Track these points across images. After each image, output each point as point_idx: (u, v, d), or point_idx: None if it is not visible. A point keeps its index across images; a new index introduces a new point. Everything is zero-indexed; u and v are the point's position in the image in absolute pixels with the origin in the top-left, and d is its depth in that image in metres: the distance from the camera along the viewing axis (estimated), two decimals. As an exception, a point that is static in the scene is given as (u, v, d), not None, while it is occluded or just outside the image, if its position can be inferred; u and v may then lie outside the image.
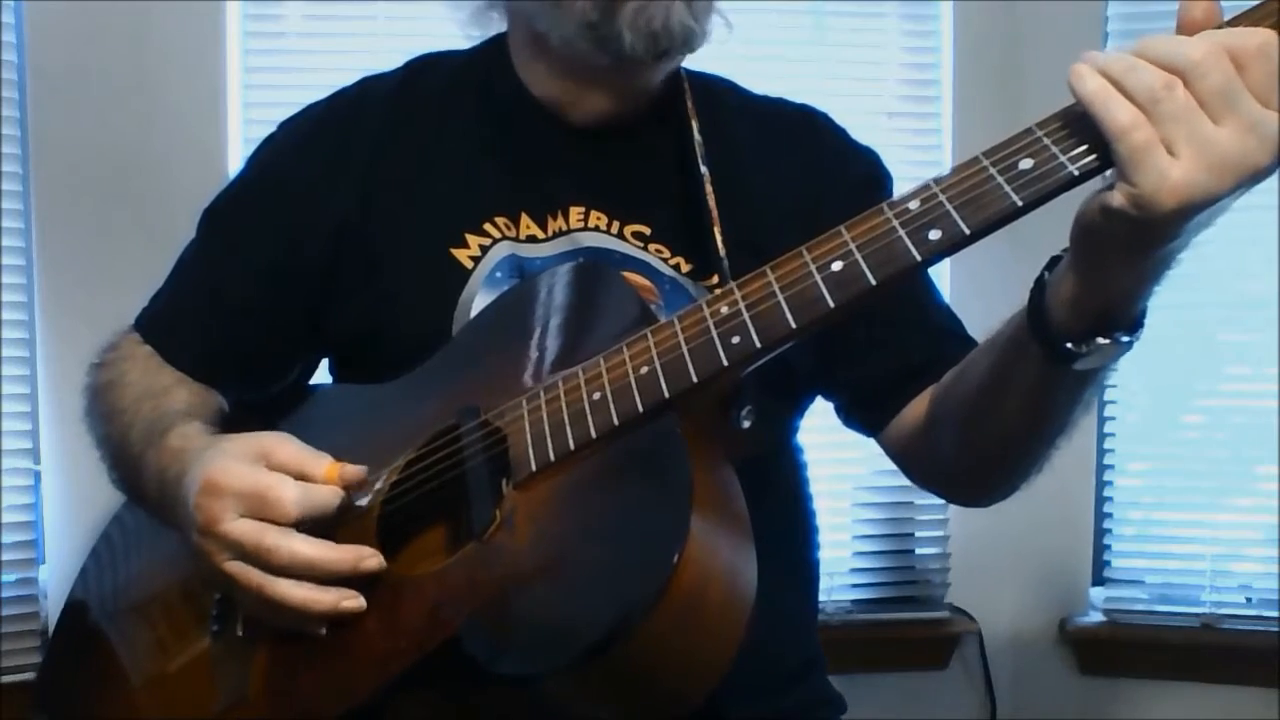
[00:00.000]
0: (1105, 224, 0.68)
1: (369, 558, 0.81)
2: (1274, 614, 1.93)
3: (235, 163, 1.83)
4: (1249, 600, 1.98)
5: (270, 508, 0.81)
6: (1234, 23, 0.67)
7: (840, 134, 1.13)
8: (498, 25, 1.09)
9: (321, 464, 0.84)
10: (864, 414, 1.06)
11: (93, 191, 1.79)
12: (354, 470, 0.85)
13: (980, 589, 2.00)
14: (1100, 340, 0.74)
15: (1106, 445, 2.02)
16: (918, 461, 1.03)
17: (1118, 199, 0.66)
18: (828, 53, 1.98)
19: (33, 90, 1.78)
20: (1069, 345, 0.75)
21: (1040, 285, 0.77)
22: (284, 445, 0.85)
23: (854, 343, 1.00)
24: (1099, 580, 2.05)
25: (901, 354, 1.01)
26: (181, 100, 1.82)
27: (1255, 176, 0.64)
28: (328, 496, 0.83)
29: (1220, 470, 1.99)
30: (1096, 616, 2.02)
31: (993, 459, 0.94)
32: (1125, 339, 0.74)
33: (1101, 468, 2.02)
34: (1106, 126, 0.64)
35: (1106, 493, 2.02)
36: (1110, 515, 2.03)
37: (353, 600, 0.80)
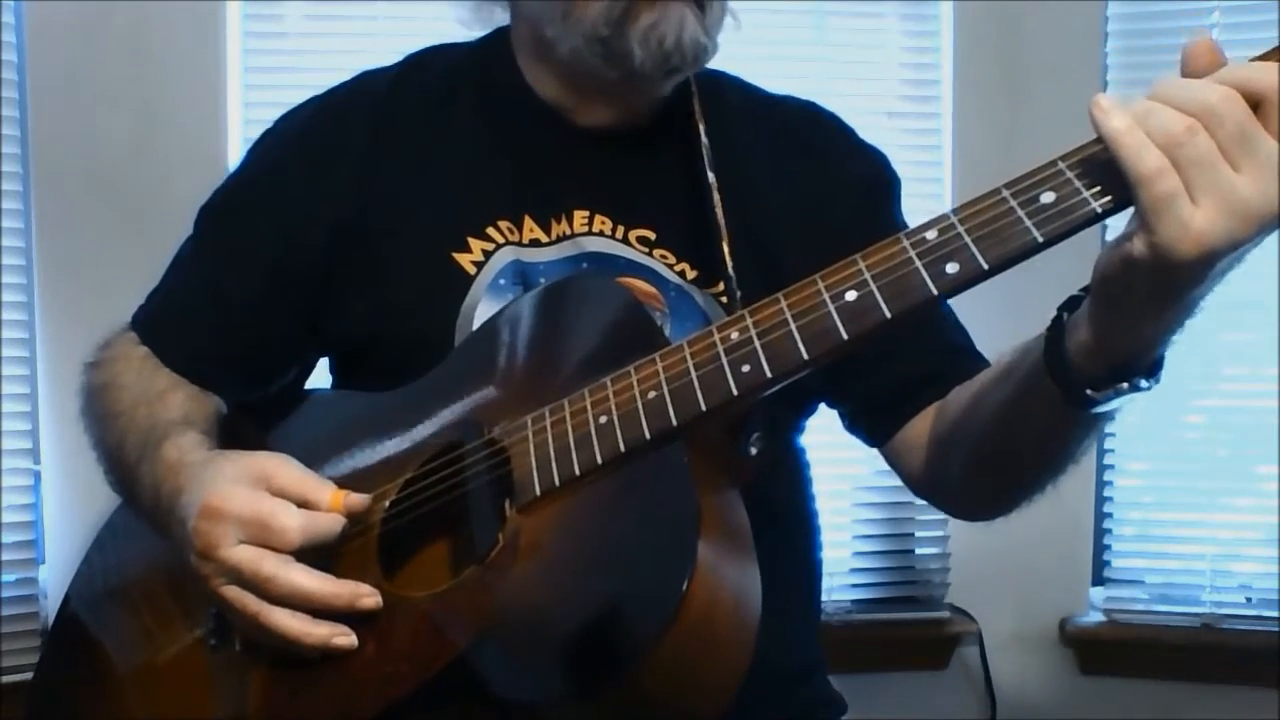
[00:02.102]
0: (1126, 274, 0.67)
1: (366, 596, 0.80)
2: (1274, 614, 1.93)
3: (235, 163, 1.82)
4: (1249, 600, 1.97)
5: (272, 535, 0.80)
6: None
7: (847, 132, 1.12)
8: (500, 19, 1.08)
9: (325, 492, 0.83)
10: (867, 425, 1.06)
11: (93, 192, 1.79)
12: (358, 499, 0.84)
13: (980, 589, 2.00)
14: (1125, 386, 0.73)
15: (1106, 445, 2.01)
16: (922, 477, 1.02)
17: (1138, 248, 0.64)
18: (828, 53, 1.97)
19: (33, 90, 1.78)
20: (1089, 391, 0.74)
21: (1059, 328, 0.75)
22: (286, 469, 0.84)
23: (862, 358, 0.99)
24: (1099, 580, 2.04)
25: (908, 368, 1.01)
26: (181, 100, 1.81)
27: (1278, 220, 0.63)
28: (330, 525, 0.82)
29: (1220, 470, 1.98)
30: (1096, 616, 2.02)
31: (1001, 483, 0.94)
32: (1146, 385, 0.73)
33: (1101, 468, 2.01)
34: (1132, 171, 0.62)
35: (1106, 493, 2.02)
36: (1110, 515, 2.03)
37: (344, 638, 0.80)
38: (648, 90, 1.01)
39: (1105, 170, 0.65)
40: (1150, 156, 0.62)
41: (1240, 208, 0.62)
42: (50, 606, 1.77)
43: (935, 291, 0.69)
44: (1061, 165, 0.67)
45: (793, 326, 0.73)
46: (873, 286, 0.70)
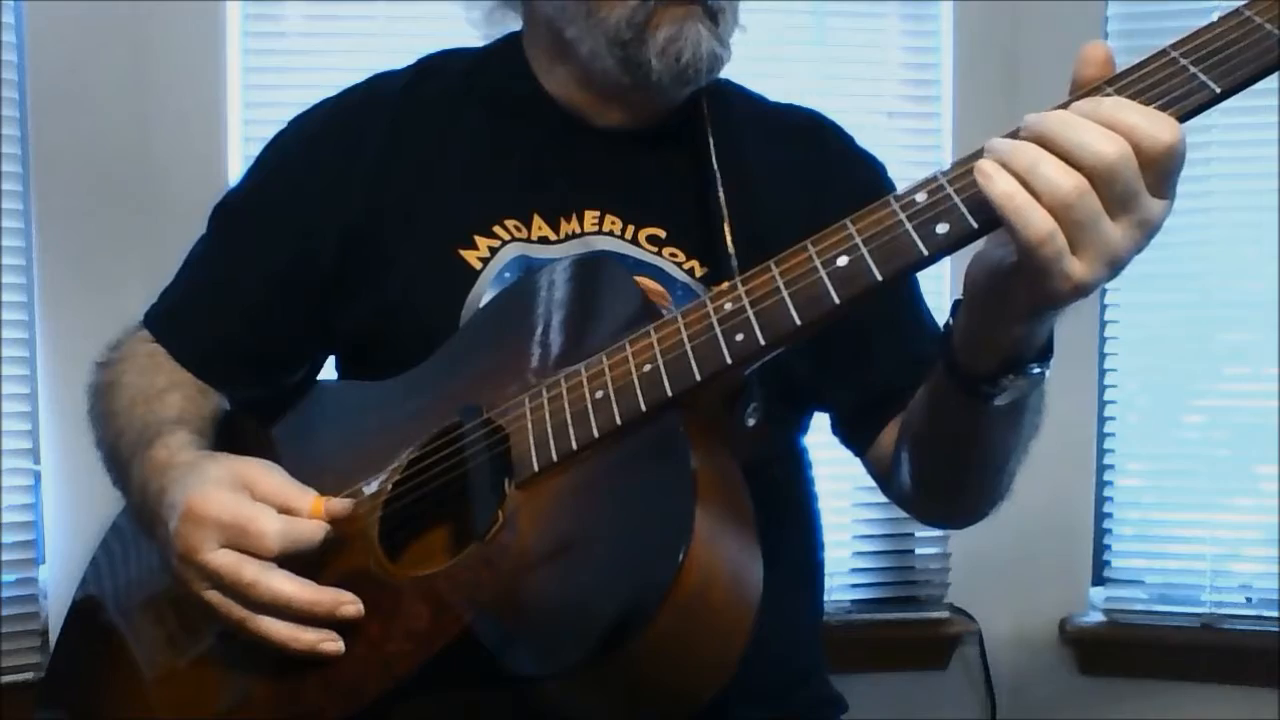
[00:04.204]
0: (999, 297, 0.71)
1: (348, 604, 0.80)
2: (1274, 614, 1.93)
3: (235, 163, 1.83)
4: (1249, 600, 1.98)
5: (251, 541, 0.80)
6: (1127, 76, 0.67)
7: (847, 141, 1.13)
8: (511, 24, 1.09)
9: (306, 498, 0.83)
10: (847, 433, 1.09)
11: (93, 192, 1.79)
12: (340, 504, 0.84)
13: (980, 589, 2.00)
14: (1012, 377, 0.76)
15: (1106, 445, 2.01)
16: (889, 484, 1.04)
17: (1017, 288, 0.68)
18: (828, 53, 1.98)
19: (33, 91, 1.78)
20: (984, 386, 0.77)
21: (948, 331, 0.78)
22: (268, 476, 0.85)
23: (841, 363, 1.01)
24: (1099, 580, 2.05)
25: (882, 378, 1.02)
26: (181, 101, 1.81)
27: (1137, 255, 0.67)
28: (311, 532, 0.82)
29: (1220, 470, 1.98)
30: (1096, 616, 2.02)
31: (947, 487, 0.97)
32: (1036, 370, 0.76)
33: (1101, 468, 2.02)
34: (1021, 236, 0.64)
35: (1106, 493, 2.02)
36: (1110, 515, 2.03)
37: (332, 643, 0.80)
38: (661, 97, 1.02)
39: None
40: (1037, 222, 0.64)
41: (1113, 256, 0.65)
42: (50, 606, 1.77)
43: (926, 252, 0.69)
44: None
45: (785, 294, 0.73)
46: (863, 250, 0.71)
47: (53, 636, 1.71)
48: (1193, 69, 0.66)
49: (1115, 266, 0.65)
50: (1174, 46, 0.67)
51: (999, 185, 0.65)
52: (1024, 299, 0.69)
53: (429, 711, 0.78)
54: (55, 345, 1.78)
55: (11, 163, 1.77)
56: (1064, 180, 0.63)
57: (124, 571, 1.03)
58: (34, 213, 1.79)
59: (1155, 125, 0.63)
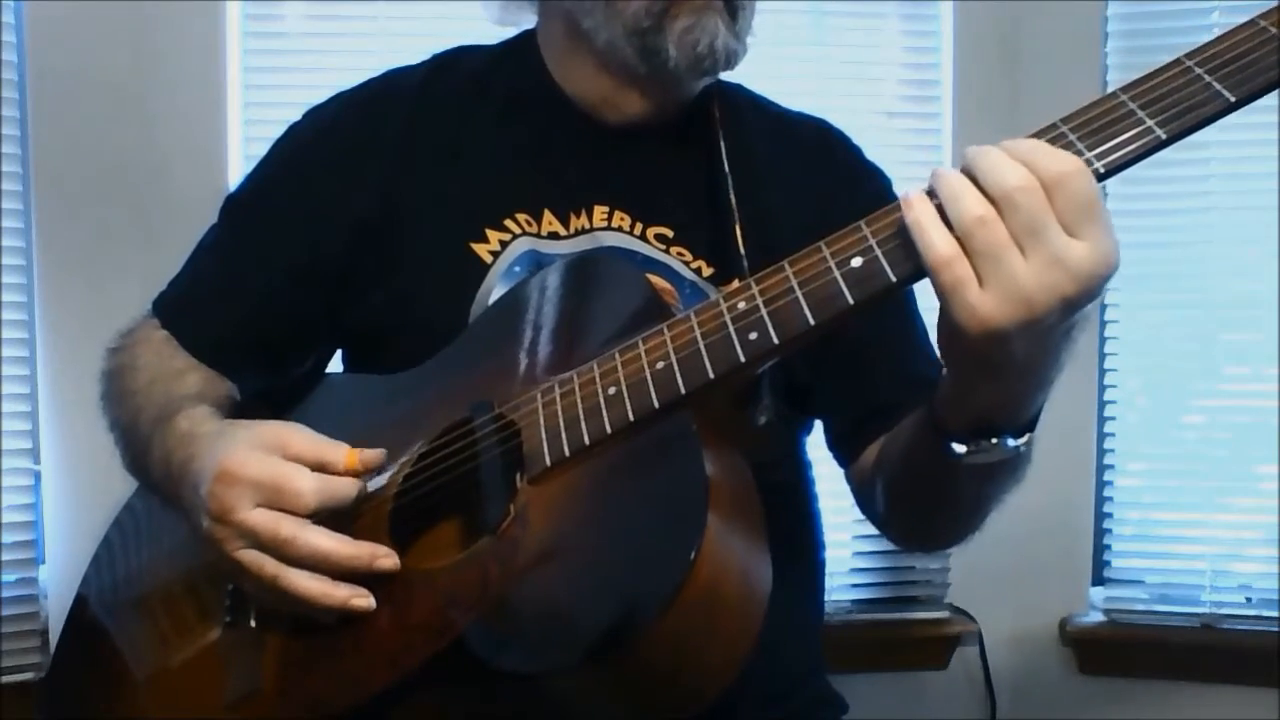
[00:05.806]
0: (946, 344, 0.71)
1: (384, 557, 0.81)
2: (1274, 614, 1.93)
3: (236, 163, 1.83)
4: (1249, 600, 1.97)
5: (287, 499, 0.81)
6: (1143, 83, 0.67)
7: (855, 152, 1.15)
8: (527, 20, 1.10)
9: (339, 452, 0.84)
10: (836, 444, 1.09)
11: (93, 191, 1.79)
12: (372, 454, 0.85)
13: (980, 589, 2.00)
14: (988, 441, 0.76)
15: (1106, 445, 2.01)
16: (864, 503, 1.05)
17: (939, 323, 0.69)
18: (828, 53, 1.97)
19: (33, 91, 1.78)
20: (953, 444, 0.77)
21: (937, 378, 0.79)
22: (299, 435, 0.85)
23: (836, 374, 1.01)
24: (1099, 580, 2.04)
25: (873, 393, 1.03)
26: (181, 100, 1.81)
27: (1068, 307, 0.64)
28: (346, 488, 0.83)
29: (1220, 470, 1.98)
30: (1096, 616, 2.02)
31: (915, 520, 0.98)
32: (1011, 443, 0.76)
33: (1101, 468, 2.01)
34: (925, 258, 0.66)
35: (1106, 493, 2.02)
36: (1110, 515, 2.03)
37: (363, 599, 0.80)
38: (677, 86, 1.03)
39: (1110, 129, 0.67)
40: (938, 244, 0.65)
41: (1020, 294, 0.64)
42: (50, 606, 1.77)
43: None
44: (1064, 128, 0.69)
45: (799, 294, 0.73)
46: (878, 251, 0.71)
47: (53, 636, 1.71)
48: (1207, 78, 0.66)
49: (1029, 305, 0.64)
50: (1189, 55, 0.68)
51: (913, 211, 0.67)
52: (954, 343, 0.69)
53: (435, 704, 0.78)
54: (55, 345, 1.78)
55: (11, 162, 1.77)
56: (972, 209, 0.64)
57: (125, 570, 1.03)
58: (34, 212, 1.79)
59: (1054, 154, 0.64)
